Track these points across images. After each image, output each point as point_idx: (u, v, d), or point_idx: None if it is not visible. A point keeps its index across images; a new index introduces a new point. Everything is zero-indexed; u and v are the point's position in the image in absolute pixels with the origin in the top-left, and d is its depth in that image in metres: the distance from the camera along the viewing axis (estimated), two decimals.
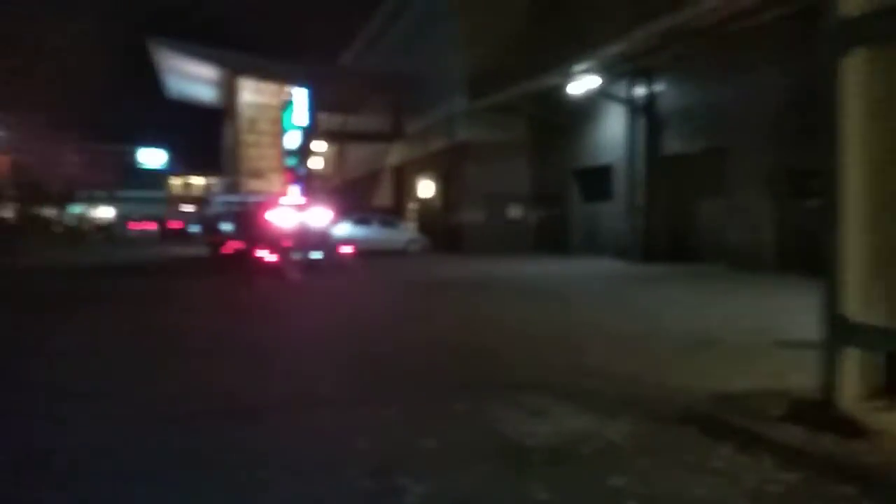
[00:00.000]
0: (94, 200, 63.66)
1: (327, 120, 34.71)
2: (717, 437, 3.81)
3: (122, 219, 66.62)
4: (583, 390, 4.91)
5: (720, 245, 16.13)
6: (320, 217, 17.20)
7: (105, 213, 68.74)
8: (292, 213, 17.09)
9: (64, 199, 52.58)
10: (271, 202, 19.22)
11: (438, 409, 4.51)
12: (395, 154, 33.04)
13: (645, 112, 17.96)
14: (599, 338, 7.09)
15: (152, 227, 59.25)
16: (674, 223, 17.72)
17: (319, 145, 35.91)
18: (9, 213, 46.03)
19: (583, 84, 18.47)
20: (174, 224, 51.31)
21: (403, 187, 32.15)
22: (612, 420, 4.14)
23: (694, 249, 17.19)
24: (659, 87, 17.80)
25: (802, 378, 4.95)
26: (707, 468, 3.38)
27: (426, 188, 29.11)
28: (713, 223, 16.65)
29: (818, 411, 3.91)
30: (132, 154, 73.36)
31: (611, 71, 18.16)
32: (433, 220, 27.36)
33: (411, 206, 30.45)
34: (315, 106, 34.39)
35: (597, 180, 20.51)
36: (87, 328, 8.18)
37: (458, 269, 16.98)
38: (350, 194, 35.05)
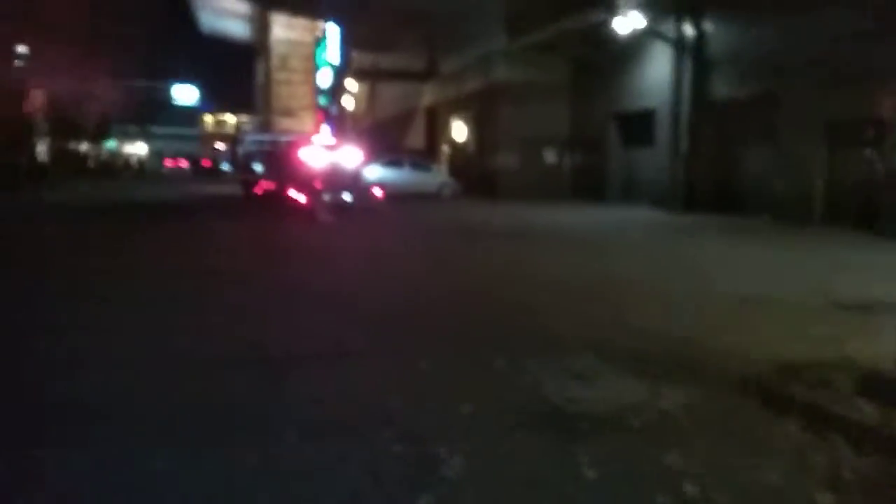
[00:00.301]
0: (128, 136, 64.07)
1: (359, 58, 33.92)
2: (780, 411, 3.47)
3: (156, 155, 67.09)
4: (629, 351, 4.59)
5: (766, 196, 15.43)
6: (351, 158, 16.87)
7: (138, 149, 69.24)
8: (323, 153, 16.77)
9: (98, 135, 52.85)
10: (302, 142, 18.91)
11: (475, 367, 4.25)
12: (429, 95, 32.30)
13: (692, 53, 17.05)
14: (643, 293, 6.73)
15: (185, 164, 59.56)
16: (717, 172, 16.99)
17: (351, 84, 35.21)
18: (42, 147, 46.48)
19: (628, 21, 17.53)
20: (206, 162, 51.33)
21: (436, 129, 31.54)
22: (663, 387, 3.82)
23: (737, 200, 16.49)
24: (708, 26, 16.81)
25: (867, 345, 4.58)
26: (772, 448, 3.07)
27: (460, 131, 28.48)
28: (759, 173, 15.92)
29: (894, 386, 3.55)
30: (166, 90, 73.24)
31: (657, 7, 17.19)
32: (466, 163, 26.84)
33: (444, 148, 29.90)
34: (347, 43, 33.60)
35: (638, 125, 19.72)
36: (114, 269, 8.06)
37: (493, 216, 16.60)
38: (381, 135, 34.49)
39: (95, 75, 44.47)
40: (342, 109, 34.62)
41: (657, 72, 18.50)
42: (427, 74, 31.60)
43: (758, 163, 16.03)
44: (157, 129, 65.21)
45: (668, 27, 17.62)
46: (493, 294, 6.63)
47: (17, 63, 32.35)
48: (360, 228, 13.54)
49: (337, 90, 34.73)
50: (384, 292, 6.74)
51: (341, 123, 33.97)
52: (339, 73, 34.09)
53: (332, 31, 34.15)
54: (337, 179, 16.13)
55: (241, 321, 5.40)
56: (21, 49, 35.00)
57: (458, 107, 28.16)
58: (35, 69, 33.27)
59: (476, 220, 15.16)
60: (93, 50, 40.69)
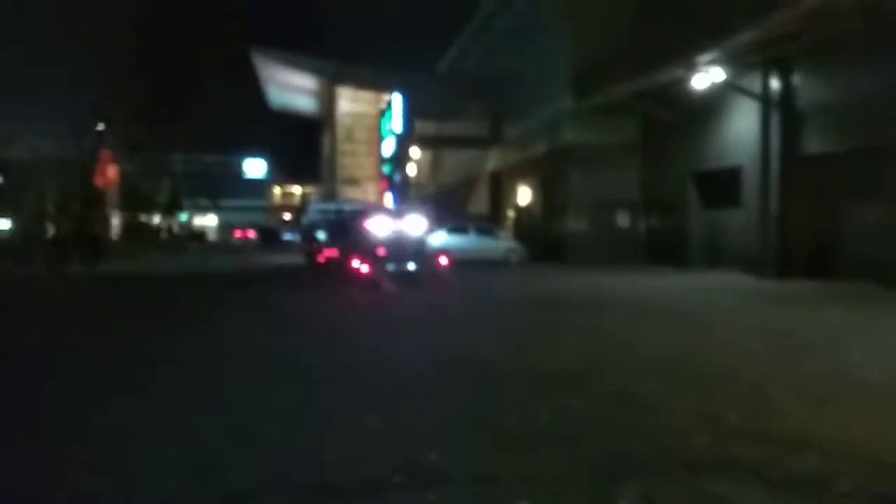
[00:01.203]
0: (199, 209, 66.10)
1: (423, 126, 33.98)
2: None
3: (226, 226, 68.87)
4: (793, 474, 3.40)
5: (872, 260, 13.81)
6: (416, 226, 16.14)
7: (209, 220, 71.33)
8: (387, 221, 16.13)
9: (170, 208, 54.56)
10: (367, 211, 18.41)
11: (593, 499, 3.15)
12: (492, 160, 31.84)
13: (780, 106, 15.81)
14: (772, 381, 5.47)
15: (252, 234, 60.82)
16: (813, 234, 15.45)
17: (415, 152, 35.20)
18: (115, 221, 48.06)
19: (707, 77, 16.52)
20: (274, 231, 52.21)
21: (500, 194, 30.88)
22: None
23: (836, 264, 14.88)
24: (797, 78, 15.62)
25: None
26: None
27: (525, 195, 27.70)
28: (864, 234, 14.33)
29: None
30: (236, 164, 75.98)
31: (739, 61, 16.15)
32: (532, 228, 25.90)
33: (509, 213, 29.11)
34: (411, 112, 33.75)
35: (721, 185, 18.41)
36: (169, 350, 7.33)
37: (566, 283, 15.46)
38: (445, 202, 34.05)
39: (169, 150, 46.19)
40: (405, 177, 34.51)
41: (740, 128, 17.30)
42: (490, 140, 31.25)
43: (863, 223, 14.47)
44: (227, 202, 67.08)
45: (750, 80, 16.51)
46: (594, 382, 5.49)
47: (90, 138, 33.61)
48: (426, 300, 12.61)
49: (400, 158, 34.74)
50: (460, 380, 5.70)
51: (404, 191, 33.79)
52: (403, 142, 34.15)
53: (397, 101, 34.41)
54: (401, 248, 15.38)
55: (297, 426, 4.45)
56: (99, 126, 36.58)
57: (523, 171, 27.48)
58: (110, 144, 34.56)
59: (549, 289, 14.04)
60: (167, 125, 42.34)
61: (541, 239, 24.60)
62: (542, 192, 25.38)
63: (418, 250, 15.77)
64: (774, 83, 15.91)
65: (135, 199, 46.79)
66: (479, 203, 32.93)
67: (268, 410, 4.73)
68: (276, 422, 4.45)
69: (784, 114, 15.76)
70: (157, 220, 52.96)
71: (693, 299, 11.80)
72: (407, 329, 8.78)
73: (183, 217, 62.18)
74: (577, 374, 5.75)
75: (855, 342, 7.18)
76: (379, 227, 15.74)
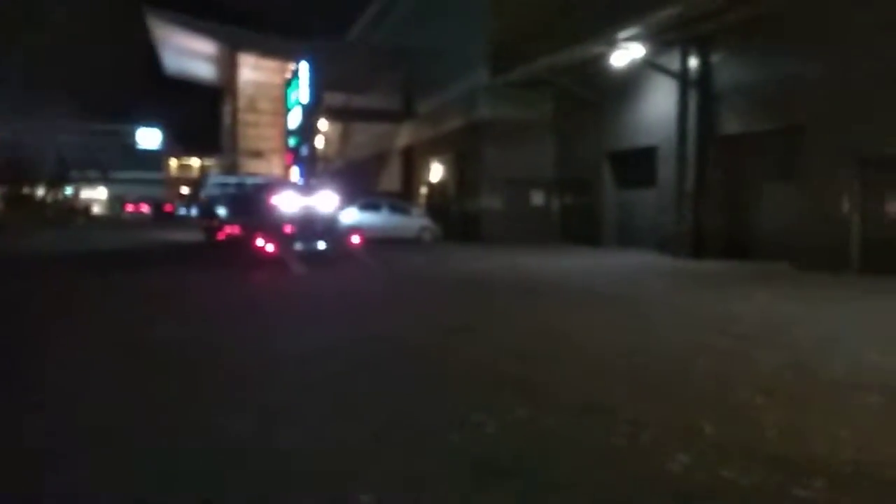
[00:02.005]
0: (89, 181, 61.50)
1: (332, 98, 32.45)
2: None
3: (118, 200, 64.42)
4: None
5: (786, 239, 13.99)
6: (326, 202, 15.04)
7: (99, 193, 66.65)
8: (296, 196, 14.93)
9: (57, 180, 50.26)
10: (272, 185, 17.10)
11: None
12: (405, 135, 30.81)
13: (698, 86, 15.73)
14: (738, 379, 4.94)
15: (146, 209, 57.16)
16: (728, 213, 15.55)
17: (323, 125, 33.63)
18: None
19: (627, 54, 16.24)
20: (168, 207, 48.86)
21: (413, 171, 29.95)
22: None
23: (750, 244, 15.04)
24: (715, 57, 15.55)
25: None
26: None
27: (438, 172, 26.94)
28: (779, 214, 14.51)
29: None
30: (129, 134, 70.96)
31: (659, 39, 15.93)
32: (445, 206, 25.22)
33: (422, 191, 28.27)
34: (319, 83, 32.12)
35: (636, 164, 18.32)
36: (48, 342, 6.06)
37: (484, 263, 14.85)
38: (355, 178, 32.77)
39: (53, 118, 42.39)
40: (313, 151, 32.91)
41: (658, 107, 17.17)
42: (403, 114, 30.18)
43: (777, 203, 14.64)
44: (118, 174, 62.58)
45: (670, 59, 16.34)
46: (536, 384, 4.77)
47: None
48: (338, 281, 11.64)
49: (308, 131, 33.08)
50: (379, 381, 4.85)
51: (312, 165, 32.24)
52: (310, 113, 32.48)
53: (304, 70, 32.65)
54: (310, 225, 14.27)
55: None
56: None
57: (436, 147, 26.66)
58: None
59: (468, 269, 13.38)
60: (51, 92, 38.70)
61: (455, 217, 23.98)
62: (457, 168, 24.70)
63: (328, 228, 14.72)
64: (693, 62, 15.81)
65: (15, 169, 42.80)
66: (391, 179, 31.89)
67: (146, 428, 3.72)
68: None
69: (702, 93, 15.70)
70: (40, 192, 48.67)
71: (618, 280, 11.43)
72: (318, 317, 7.81)
73: (69, 190, 57.58)
74: (519, 376, 5.02)
75: (801, 331, 6.85)
76: (286, 202, 14.53)
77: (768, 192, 14.84)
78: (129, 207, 62.13)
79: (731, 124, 15.26)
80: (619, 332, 6.87)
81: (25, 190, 45.17)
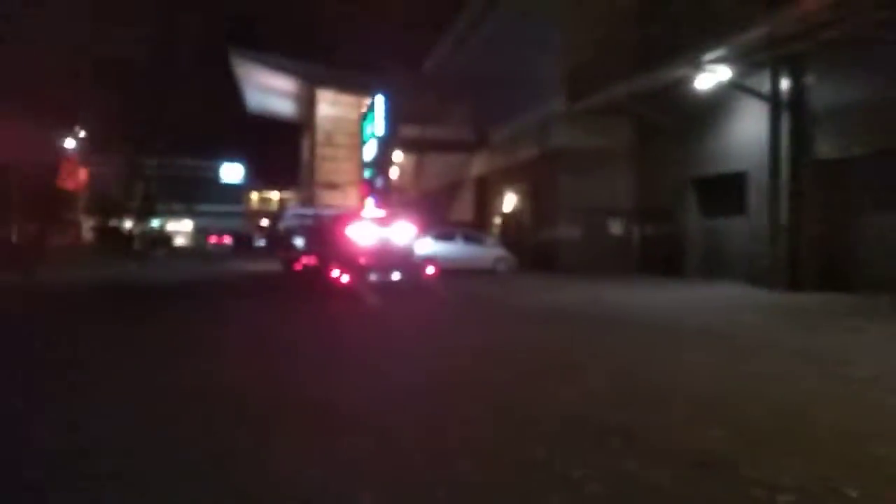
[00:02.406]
0: (174, 214, 64.25)
1: (406, 130, 32.75)
2: None
3: (201, 232, 66.92)
4: None
5: (888, 272, 12.91)
6: (403, 233, 14.91)
7: (184, 226, 69.53)
8: (371, 227, 14.87)
9: (143, 213, 52.67)
10: (348, 215, 17.15)
11: None
12: (478, 165, 30.71)
13: (790, 108, 14.85)
14: (876, 432, 4.33)
15: (228, 240, 59.07)
16: (826, 244, 14.49)
17: (398, 156, 33.95)
18: (89, 225, 46.24)
19: (713, 77, 15.56)
20: (247, 237, 50.29)
21: (486, 201, 29.72)
22: None
23: (851, 276, 13.92)
24: (809, 77, 14.67)
25: None
26: None
27: (512, 201, 26.59)
28: (880, 245, 13.41)
29: None
30: (213, 169, 74.05)
31: (747, 60, 15.19)
32: (520, 236, 24.81)
33: (496, 220, 27.96)
34: (394, 115, 32.53)
35: (723, 191, 17.44)
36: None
37: (564, 295, 14.32)
38: (428, 208, 32.82)
39: (143, 153, 44.60)
40: (388, 182, 33.22)
41: (746, 131, 16.33)
42: (476, 144, 30.09)
43: (879, 232, 13.55)
44: (203, 207, 65.20)
45: (757, 80, 15.54)
46: (647, 435, 4.29)
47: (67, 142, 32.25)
48: (415, 313, 11.38)
49: (382, 163, 33.45)
50: (468, 428, 4.49)
51: (387, 196, 32.51)
52: (385, 145, 32.87)
53: (379, 103, 33.17)
54: (385, 256, 14.15)
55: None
56: (81, 132, 35.16)
57: (510, 176, 26.37)
58: (83, 147, 33.30)
59: (550, 303, 12.87)
60: (142, 129, 40.83)
61: (530, 247, 23.51)
62: (531, 198, 24.28)
63: (404, 259, 14.56)
64: (784, 83, 14.96)
65: (105, 202, 45.07)
66: (464, 209, 31.75)
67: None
68: None
69: (795, 116, 14.81)
70: (128, 224, 51.03)
71: (713, 316, 10.69)
72: (393, 355, 7.53)
73: (155, 222, 60.29)
74: (621, 423, 4.55)
75: None
76: (361, 233, 14.48)
77: (871, 221, 13.74)
78: (212, 239, 64.46)
79: (827, 148, 14.30)
80: (723, 374, 6.27)
81: (113, 222, 47.31)
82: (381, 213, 16.06)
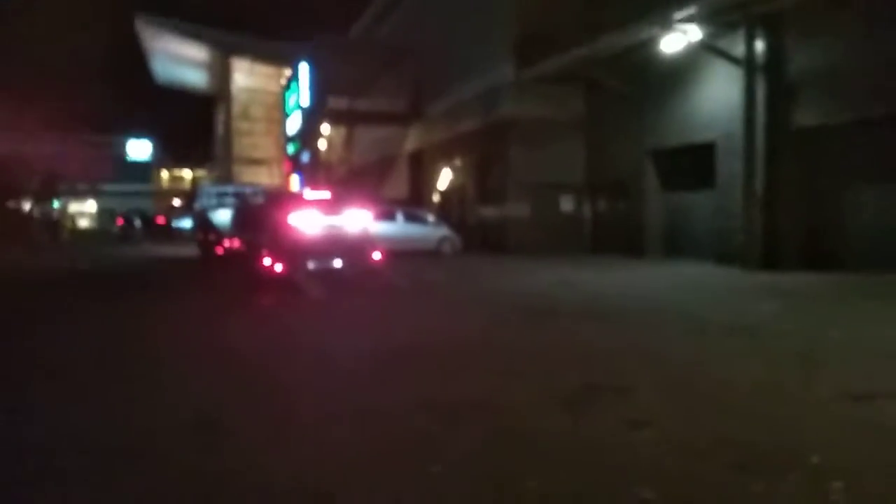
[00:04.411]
0: (78, 194, 59.26)
1: (334, 102, 30.37)
2: None
3: (108, 213, 62.03)
4: None
5: (876, 248, 12.05)
6: (346, 214, 12.91)
7: (88, 206, 64.56)
8: (309, 208, 12.82)
9: (43, 194, 47.96)
10: (282, 194, 15.01)
11: None
12: (413, 138, 28.76)
13: (766, 72, 13.71)
14: None
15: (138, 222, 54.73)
16: (808, 218, 13.52)
17: (325, 130, 31.53)
18: None
19: (680, 38, 14.25)
20: (159, 219, 46.37)
21: (422, 176, 27.87)
22: None
23: (834, 254, 13.03)
24: (787, 39, 13.55)
25: None
26: None
27: (452, 177, 24.88)
28: (866, 218, 12.54)
29: None
30: (118, 145, 68.54)
31: (718, 20, 13.97)
32: (462, 214, 23.18)
33: (434, 198, 26.19)
34: (320, 85, 30.08)
35: (687, 164, 16.30)
36: None
37: (529, 279, 12.80)
38: (359, 185, 30.63)
39: (40, 131, 40.22)
40: (315, 157, 30.80)
41: (715, 98, 15.16)
42: (411, 116, 28.12)
43: (861, 206, 12.67)
44: (108, 187, 60.33)
45: (729, 42, 14.35)
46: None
47: None
48: (372, 312, 9.54)
49: (309, 136, 30.98)
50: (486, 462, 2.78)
51: (314, 172, 30.14)
52: (311, 118, 30.40)
53: (304, 71, 30.59)
54: (326, 240, 12.15)
55: None
56: None
57: (450, 150, 24.60)
58: None
59: (520, 289, 11.30)
60: (37, 103, 36.62)
61: (473, 226, 21.92)
62: (475, 173, 22.64)
63: (347, 243, 12.54)
64: (760, 45, 13.79)
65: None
66: (398, 186, 29.78)
67: None
68: None
69: (771, 80, 13.67)
70: (27, 207, 46.32)
71: (709, 302, 9.38)
72: (365, 371, 5.71)
73: (56, 204, 55.26)
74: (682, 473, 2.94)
75: None
76: (298, 214, 12.39)
77: (858, 193, 12.82)
78: (121, 221, 59.85)
79: (806, 116, 13.25)
80: (779, 379, 4.80)
81: (11, 204, 42.91)
82: (322, 192, 13.92)
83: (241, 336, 7.37)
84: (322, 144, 31.53)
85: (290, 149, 36.08)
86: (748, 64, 13.90)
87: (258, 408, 4.52)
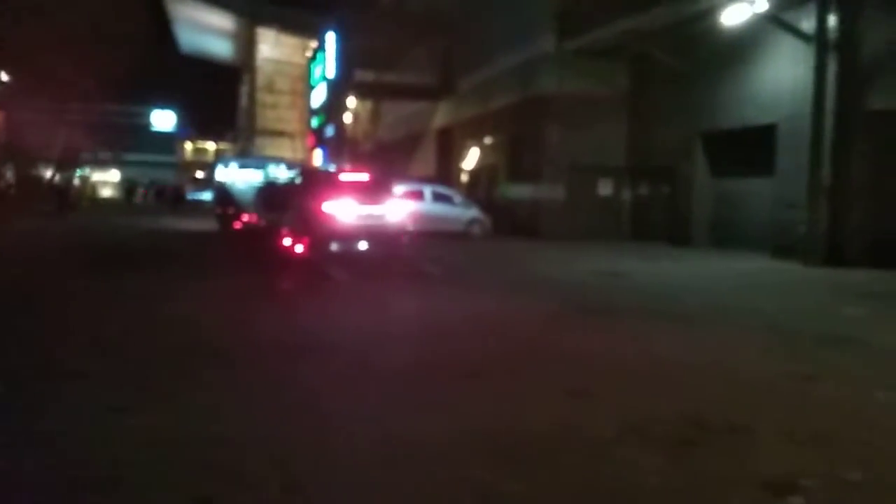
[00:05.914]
0: (100, 164, 58.91)
1: (361, 75, 29.28)
2: None
3: (130, 183, 61.73)
4: None
5: None
6: (384, 198, 11.90)
7: (111, 176, 64.35)
8: (337, 187, 11.88)
9: (67, 162, 47.58)
10: (310, 172, 14.10)
11: None
12: (442, 114, 27.63)
13: (838, 50, 12.45)
14: None
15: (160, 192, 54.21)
16: (875, 210, 12.34)
17: (351, 103, 30.49)
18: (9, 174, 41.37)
19: (744, 10, 13.01)
20: (175, 190, 45.37)
21: (450, 155, 26.76)
22: None
23: None
24: (863, 15, 12.27)
25: None
26: None
27: (483, 156, 23.79)
28: None
29: None
30: (142, 115, 67.89)
31: None
32: (491, 195, 22.10)
33: (462, 177, 25.14)
34: (347, 57, 29.03)
35: (741, 148, 15.09)
36: None
37: (567, 267, 11.83)
38: (384, 162, 29.59)
39: (64, 100, 39.61)
40: (340, 131, 29.82)
41: (778, 77, 13.91)
42: (440, 91, 26.94)
43: None
44: (132, 157, 59.90)
45: (796, 16, 13.08)
46: None
47: None
48: (396, 295, 8.62)
49: (334, 109, 29.98)
50: None
51: (338, 147, 29.20)
52: (337, 90, 29.38)
53: (330, 41, 29.50)
54: (356, 224, 11.20)
55: None
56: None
57: (482, 128, 23.47)
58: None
59: (559, 278, 10.31)
60: (61, 72, 35.89)
61: (503, 207, 20.84)
62: (509, 152, 21.52)
63: (374, 225, 11.54)
64: (832, 20, 12.50)
65: (24, 150, 40.22)
66: (425, 164, 28.74)
67: None
68: None
69: (844, 59, 12.41)
70: (48, 174, 45.98)
71: (787, 305, 8.32)
72: (402, 385, 4.77)
73: (79, 172, 54.95)
74: None
75: None
76: (324, 194, 11.43)
77: None
78: (144, 192, 59.49)
79: (882, 98, 12.03)
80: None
81: (34, 172, 42.59)
82: (359, 174, 12.82)
83: (264, 322, 6.47)
84: (347, 118, 30.51)
85: (315, 122, 35.14)
86: (819, 40, 12.62)
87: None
